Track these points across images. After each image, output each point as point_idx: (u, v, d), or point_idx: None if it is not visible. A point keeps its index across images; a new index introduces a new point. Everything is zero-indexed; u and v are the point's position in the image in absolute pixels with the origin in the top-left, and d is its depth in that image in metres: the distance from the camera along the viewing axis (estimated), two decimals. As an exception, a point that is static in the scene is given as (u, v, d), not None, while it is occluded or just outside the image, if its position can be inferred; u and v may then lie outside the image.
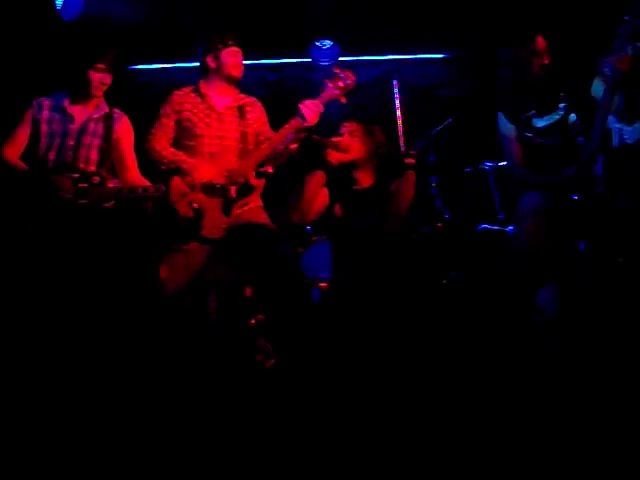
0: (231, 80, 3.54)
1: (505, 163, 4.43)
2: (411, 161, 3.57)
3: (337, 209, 3.69)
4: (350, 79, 3.44)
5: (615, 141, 3.21)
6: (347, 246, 3.60)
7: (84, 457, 2.29)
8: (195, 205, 3.30)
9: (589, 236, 3.27)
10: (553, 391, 2.69)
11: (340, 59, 5.23)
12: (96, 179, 3.36)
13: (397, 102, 4.47)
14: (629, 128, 3.19)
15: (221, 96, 3.56)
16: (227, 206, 3.37)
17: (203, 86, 3.55)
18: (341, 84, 3.41)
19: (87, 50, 3.52)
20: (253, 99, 3.67)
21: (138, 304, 3.37)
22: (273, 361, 3.37)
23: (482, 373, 2.96)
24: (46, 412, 2.64)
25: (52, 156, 3.45)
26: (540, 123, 3.46)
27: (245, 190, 3.40)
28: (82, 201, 3.32)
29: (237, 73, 3.53)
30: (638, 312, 3.05)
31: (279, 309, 3.36)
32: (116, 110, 3.63)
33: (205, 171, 3.37)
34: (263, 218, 3.51)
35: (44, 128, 3.48)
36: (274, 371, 3.27)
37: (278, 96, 5.03)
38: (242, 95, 3.63)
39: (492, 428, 2.42)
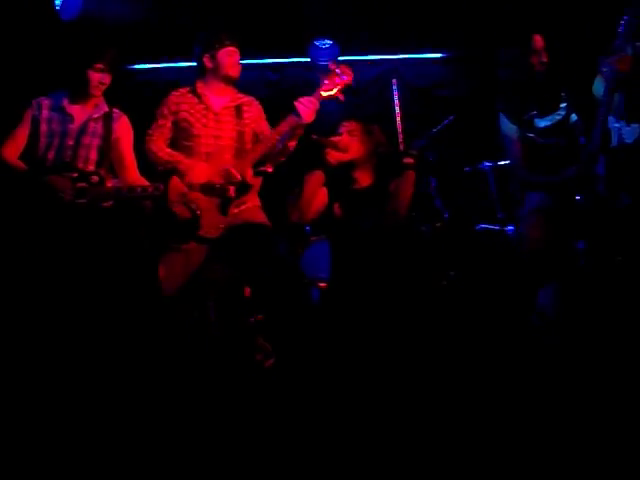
0: (228, 80, 3.55)
1: (504, 163, 4.44)
2: (410, 160, 3.57)
3: (336, 208, 3.69)
4: (347, 75, 3.43)
5: (614, 141, 3.21)
6: (346, 246, 3.60)
7: (84, 457, 2.29)
8: (192, 205, 3.31)
9: (590, 236, 3.27)
10: (552, 391, 2.69)
11: (339, 58, 5.23)
12: (95, 179, 3.36)
13: (396, 101, 4.47)
14: (628, 128, 3.19)
15: (218, 96, 3.56)
16: (224, 205, 3.38)
17: (200, 86, 3.56)
18: (338, 80, 3.41)
19: (86, 50, 3.52)
20: (251, 98, 3.67)
21: (137, 304, 3.37)
22: (272, 361, 3.37)
23: (481, 373, 2.96)
24: (45, 412, 2.64)
25: (51, 156, 3.45)
26: (542, 123, 3.46)
27: (242, 189, 3.40)
28: (81, 200, 3.32)
29: (234, 73, 3.54)
30: (638, 312, 3.05)
31: (278, 309, 3.37)
32: (115, 110, 3.63)
33: (201, 171, 3.38)
34: (261, 217, 3.52)
35: (43, 128, 3.48)
36: (273, 371, 3.27)
37: (279, 95, 5.03)
38: (240, 95, 3.63)
39: (492, 428, 2.42)
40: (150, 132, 3.50)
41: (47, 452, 2.31)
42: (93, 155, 3.51)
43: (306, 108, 3.33)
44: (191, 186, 3.35)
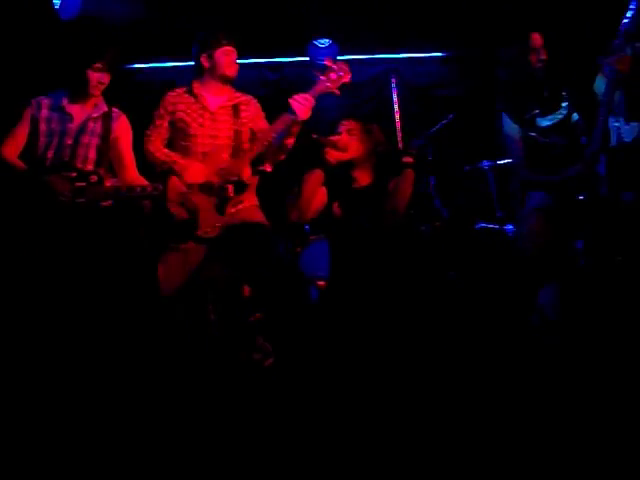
0: (225, 79, 3.55)
1: (504, 162, 4.44)
2: (409, 159, 3.57)
3: (335, 208, 3.69)
4: (344, 72, 3.41)
5: (613, 140, 3.21)
6: (345, 245, 3.60)
7: (83, 457, 2.28)
8: (191, 205, 3.31)
9: (591, 235, 3.27)
10: (552, 391, 2.69)
11: (338, 58, 5.23)
12: (94, 178, 3.36)
13: (395, 100, 4.47)
14: (627, 127, 3.19)
15: (215, 95, 3.57)
16: (222, 205, 3.38)
17: (197, 86, 3.56)
18: (334, 77, 3.39)
19: (85, 49, 3.52)
20: (249, 97, 3.67)
21: (136, 304, 3.37)
22: (271, 360, 3.37)
23: (481, 372, 2.96)
24: (45, 412, 2.64)
25: (50, 155, 3.45)
26: (544, 122, 3.46)
27: (239, 188, 3.40)
28: (80, 200, 3.31)
29: (231, 72, 3.54)
30: (638, 312, 3.05)
31: (277, 308, 3.36)
32: (114, 109, 3.63)
33: (196, 171, 3.38)
34: (259, 217, 3.52)
35: (43, 127, 3.48)
36: (273, 370, 3.27)
37: (278, 95, 5.03)
38: (237, 94, 3.63)
39: (492, 427, 2.42)
40: (147, 133, 3.52)
41: (47, 452, 2.31)
42: (92, 154, 3.51)
43: (301, 105, 3.32)
44: (190, 186, 3.35)
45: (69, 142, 3.47)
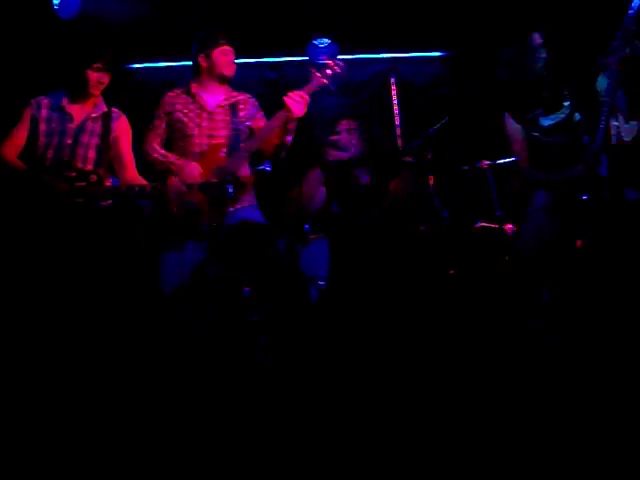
0: (223, 79, 3.56)
1: (503, 161, 4.43)
2: (409, 159, 3.58)
3: (335, 207, 3.70)
4: (339, 67, 3.42)
5: (613, 140, 3.21)
6: (345, 244, 3.60)
7: (83, 457, 2.28)
8: (190, 205, 3.31)
9: (594, 235, 3.27)
10: (552, 391, 2.69)
11: (338, 57, 5.22)
12: (93, 178, 3.36)
13: (395, 100, 4.46)
14: (626, 126, 3.19)
15: (213, 95, 3.57)
16: (222, 204, 3.38)
17: (194, 86, 3.57)
18: (329, 72, 3.40)
19: (85, 49, 3.52)
20: (247, 96, 3.67)
21: (136, 304, 3.37)
22: (271, 360, 3.36)
23: (481, 372, 2.96)
24: (45, 412, 2.64)
25: (50, 155, 3.45)
26: (546, 122, 3.46)
27: (237, 186, 3.41)
28: (79, 200, 3.31)
29: (229, 72, 3.55)
30: (638, 312, 3.05)
31: (277, 308, 3.37)
32: (114, 109, 3.63)
33: (193, 171, 3.39)
34: (258, 217, 3.52)
35: (42, 127, 3.48)
36: (273, 370, 3.27)
37: (277, 94, 5.03)
38: (235, 93, 3.64)
39: (492, 427, 2.42)
40: (146, 134, 3.54)
41: (46, 451, 2.31)
42: (92, 154, 3.51)
43: (296, 103, 3.33)
44: (190, 186, 3.35)
45: (69, 142, 3.47)
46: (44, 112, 3.50)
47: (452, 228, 4.24)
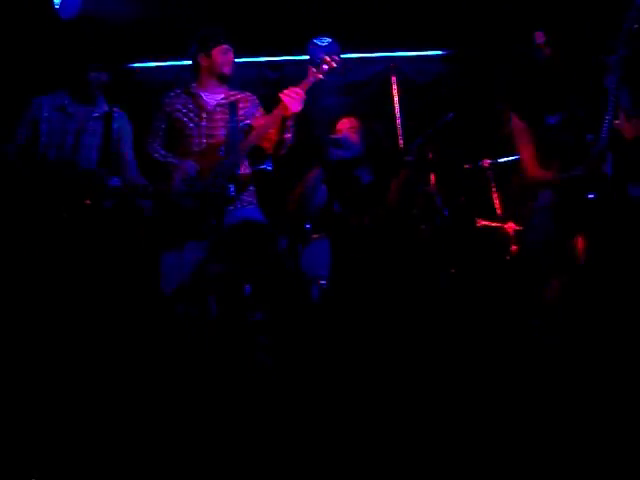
0: (223, 78, 3.56)
1: (505, 160, 4.44)
2: (410, 158, 3.57)
3: (337, 206, 3.70)
4: (335, 62, 3.42)
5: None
6: (347, 243, 3.60)
7: (83, 457, 2.29)
8: (191, 205, 3.31)
9: (598, 234, 3.26)
10: (552, 391, 2.69)
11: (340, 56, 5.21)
12: (95, 178, 3.36)
13: (396, 99, 4.46)
14: (628, 124, 3.19)
15: (212, 94, 3.58)
16: (222, 203, 3.37)
17: (194, 85, 3.58)
18: (325, 67, 3.41)
19: (85, 49, 3.53)
20: (247, 94, 3.67)
21: (136, 303, 3.37)
22: (272, 359, 3.37)
23: (481, 372, 2.96)
24: (45, 412, 2.64)
25: (51, 155, 3.45)
26: (552, 120, 3.45)
27: (238, 185, 3.41)
28: (81, 200, 3.32)
29: (228, 71, 3.55)
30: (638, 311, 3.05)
31: (278, 307, 3.37)
32: (115, 109, 3.64)
33: (189, 168, 3.38)
34: (258, 215, 3.52)
35: (44, 127, 3.49)
36: (273, 369, 3.27)
37: (278, 94, 5.02)
38: (235, 91, 3.64)
39: (492, 427, 2.42)
40: (147, 134, 3.54)
41: (46, 451, 2.32)
42: (93, 154, 3.51)
43: (291, 99, 3.32)
44: (191, 185, 3.35)
45: (70, 142, 3.48)
46: (45, 112, 3.50)
47: (453, 227, 4.24)
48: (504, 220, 4.39)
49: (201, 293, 3.33)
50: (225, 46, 3.53)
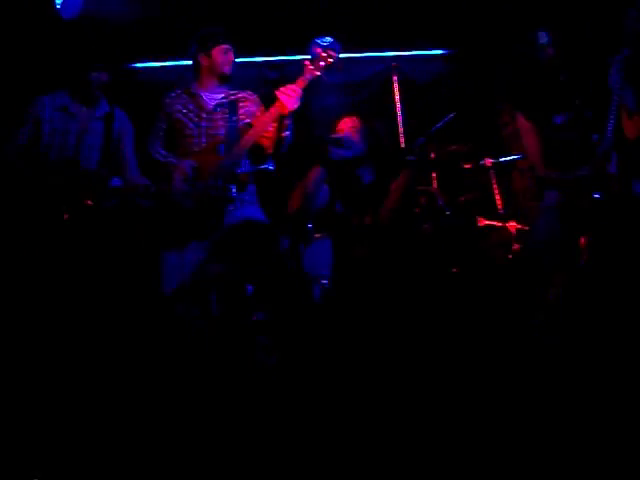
0: (223, 77, 3.56)
1: (506, 159, 4.44)
2: (411, 158, 3.57)
3: (338, 205, 3.69)
4: (332, 58, 3.39)
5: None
6: (348, 242, 3.60)
7: (83, 457, 2.29)
8: (191, 204, 3.31)
9: (603, 234, 3.26)
10: (552, 391, 2.69)
11: (340, 56, 5.21)
12: (96, 178, 3.37)
13: (397, 98, 4.47)
14: (630, 122, 3.19)
15: (212, 94, 3.58)
16: (223, 203, 3.37)
17: (194, 85, 3.58)
18: (322, 64, 3.38)
19: (87, 49, 3.53)
20: (247, 93, 3.66)
21: (137, 303, 3.37)
22: (274, 359, 3.37)
23: (481, 372, 2.96)
24: (46, 412, 2.64)
25: (53, 155, 3.45)
26: (558, 120, 3.45)
27: (239, 185, 3.40)
28: (82, 200, 3.32)
29: (228, 70, 3.55)
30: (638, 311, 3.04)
31: (280, 307, 3.37)
32: (117, 109, 3.64)
33: (186, 167, 3.38)
34: (259, 215, 3.52)
35: (45, 127, 3.49)
36: (275, 369, 3.27)
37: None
38: (235, 90, 3.63)
39: (491, 427, 2.42)
40: (149, 135, 3.55)
41: (46, 451, 2.32)
42: (95, 155, 3.51)
43: (288, 97, 3.31)
44: (192, 185, 3.35)
45: (72, 142, 3.48)
46: (47, 112, 3.50)
47: (455, 226, 4.24)
48: (506, 219, 4.40)
49: (202, 293, 3.33)
50: (225, 46, 3.53)
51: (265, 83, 5.27)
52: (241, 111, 3.59)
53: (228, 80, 3.60)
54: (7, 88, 4.41)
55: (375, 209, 3.73)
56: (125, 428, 2.50)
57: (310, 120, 4.35)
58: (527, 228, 4.13)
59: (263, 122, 3.40)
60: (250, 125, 3.56)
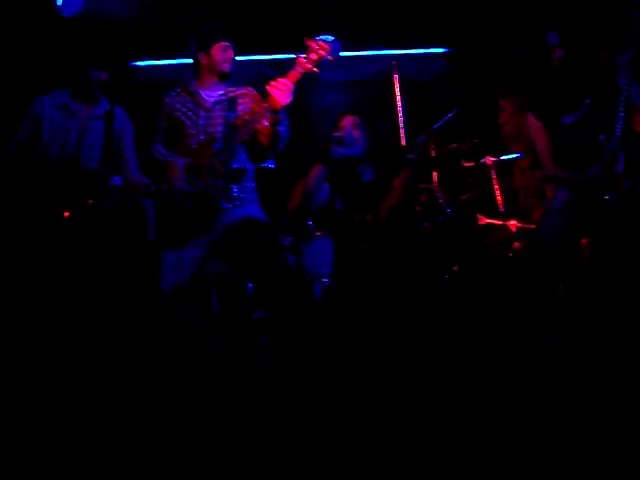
0: (223, 75, 3.55)
1: (507, 157, 4.43)
2: (412, 156, 3.57)
3: (339, 203, 3.70)
4: (324, 50, 3.33)
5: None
6: (349, 240, 3.60)
7: (84, 457, 2.29)
8: (191, 203, 3.31)
9: (609, 233, 3.26)
10: (552, 391, 2.69)
11: (341, 54, 5.21)
12: (97, 177, 3.37)
13: (398, 97, 4.46)
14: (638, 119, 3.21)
15: (211, 91, 3.57)
16: (223, 202, 3.37)
17: (194, 83, 3.57)
18: (314, 57, 3.31)
19: (87, 47, 3.53)
20: (246, 89, 3.64)
21: (137, 303, 3.37)
22: (274, 358, 3.37)
23: (481, 372, 2.96)
24: (46, 412, 2.64)
25: (53, 154, 3.46)
26: (567, 120, 3.45)
27: (241, 185, 3.40)
28: (82, 199, 3.32)
29: (228, 68, 3.54)
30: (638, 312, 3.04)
31: (280, 305, 3.36)
32: (117, 107, 3.64)
33: (178, 166, 3.38)
34: (259, 213, 3.52)
35: (46, 126, 3.49)
36: (275, 368, 3.27)
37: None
38: (234, 87, 3.62)
39: (491, 427, 2.42)
40: (149, 134, 3.54)
41: (46, 451, 2.32)
42: (95, 153, 3.52)
43: (279, 91, 3.26)
44: (194, 185, 3.35)
45: (72, 141, 3.48)
46: (47, 111, 3.51)
47: (455, 225, 4.23)
48: (506, 217, 4.39)
49: (202, 292, 3.33)
50: (224, 43, 3.51)
51: (265, 81, 5.28)
52: (240, 107, 3.57)
53: (228, 78, 3.59)
54: (7, 87, 4.41)
55: (376, 207, 3.74)
56: (125, 428, 2.50)
57: (311, 119, 4.35)
58: (528, 226, 4.12)
59: (255, 115, 3.37)
60: (245, 120, 3.54)
